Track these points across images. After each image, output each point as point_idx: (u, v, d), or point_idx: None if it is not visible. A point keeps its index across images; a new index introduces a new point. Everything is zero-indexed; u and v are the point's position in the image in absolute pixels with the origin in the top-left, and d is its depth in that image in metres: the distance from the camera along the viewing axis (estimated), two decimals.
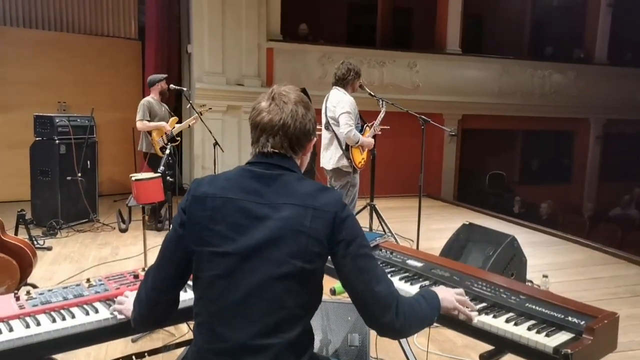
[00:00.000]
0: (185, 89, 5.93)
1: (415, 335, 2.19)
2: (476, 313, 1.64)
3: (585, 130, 10.37)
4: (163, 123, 5.47)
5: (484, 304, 1.71)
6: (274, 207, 1.34)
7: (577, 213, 9.24)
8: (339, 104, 4.12)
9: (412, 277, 1.98)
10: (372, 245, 2.14)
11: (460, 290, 1.69)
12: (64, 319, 1.61)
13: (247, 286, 1.30)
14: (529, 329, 1.54)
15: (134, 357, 1.83)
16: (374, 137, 4.43)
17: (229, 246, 1.32)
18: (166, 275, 1.43)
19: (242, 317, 1.30)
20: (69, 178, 5.55)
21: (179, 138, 5.76)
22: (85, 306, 1.70)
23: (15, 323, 1.56)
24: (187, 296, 1.72)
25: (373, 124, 4.46)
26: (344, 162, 4.20)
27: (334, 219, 1.34)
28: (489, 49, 9.86)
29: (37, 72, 7.09)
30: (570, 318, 1.54)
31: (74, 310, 1.67)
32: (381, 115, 4.54)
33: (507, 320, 1.59)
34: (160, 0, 7.58)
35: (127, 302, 1.62)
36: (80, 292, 1.78)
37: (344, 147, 4.18)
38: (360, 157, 4.29)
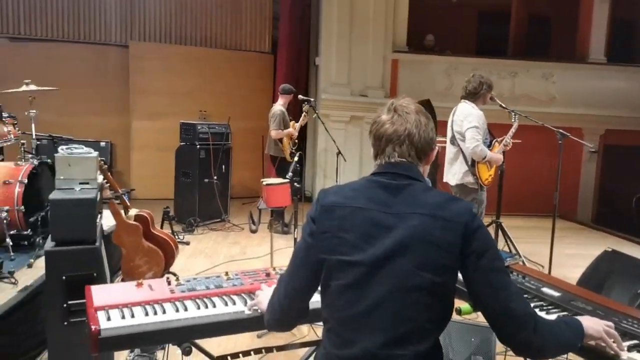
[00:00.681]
0: (312, 99, 6.18)
1: None
2: (625, 349, 1.48)
3: None
4: (291, 130, 5.79)
5: (635, 341, 1.54)
6: (401, 216, 1.33)
7: None
8: (466, 118, 3.97)
9: (547, 306, 1.84)
10: None
11: (611, 323, 1.54)
12: (206, 307, 1.77)
13: (376, 297, 1.30)
14: None
15: (263, 350, 1.94)
16: (503, 152, 4.21)
17: (358, 255, 1.33)
18: (297, 284, 1.46)
19: (370, 326, 1.31)
20: (206, 180, 6.07)
21: (297, 141, 6.05)
22: (224, 297, 1.84)
23: (167, 306, 1.74)
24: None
25: (503, 138, 4.23)
26: (469, 178, 4.03)
27: (465, 229, 1.31)
28: None
29: (183, 84, 7.89)
30: None
31: (215, 299, 1.82)
32: (513, 129, 4.29)
33: None
34: (293, 16, 8.02)
35: (262, 295, 1.71)
36: (220, 284, 1.93)
37: (469, 162, 4.01)
38: (487, 174, 4.09)
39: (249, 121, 7.92)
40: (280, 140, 5.77)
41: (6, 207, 3.42)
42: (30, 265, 3.27)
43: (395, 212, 1.34)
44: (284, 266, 1.78)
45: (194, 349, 1.71)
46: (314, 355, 1.84)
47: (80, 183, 2.59)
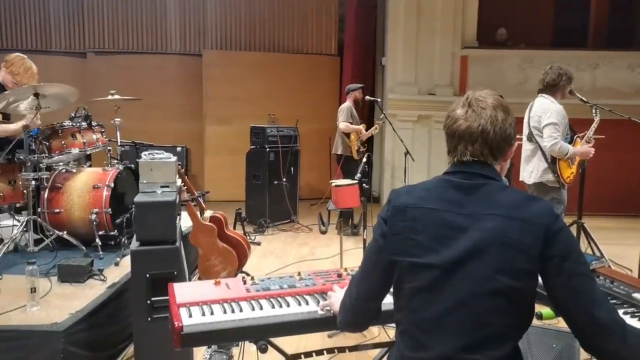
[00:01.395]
0: (378, 99, 6.16)
1: None
2: None
3: None
4: (360, 127, 5.79)
5: None
6: (476, 217, 1.29)
7: None
8: (545, 113, 3.76)
9: (639, 313, 1.72)
10: None
11: None
12: (281, 306, 1.81)
13: (450, 301, 1.27)
14: None
15: (336, 350, 1.97)
16: None
17: (432, 258, 1.30)
18: (369, 286, 1.45)
19: (445, 330, 1.28)
20: (275, 182, 6.22)
21: (365, 145, 6.02)
22: (297, 297, 1.88)
23: (244, 304, 1.81)
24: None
25: (585, 134, 3.99)
26: (549, 176, 3.82)
27: (545, 231, 1.24)
28: None
29: (252, 89, 8.13)
30: None
31: (289, 299, 1.86)
32: (595, 124, 4.03)
33: None
34: (358, 18, 8.03)
35: (334, 297, 1.73)
36: (293, 284, 1.98)
37: (549, 159, 3.81)
38: (569, 171, 3.86)
39: (316, 123, 8.02)
40: (348, 135, 5.79)
41: (95, 210, 3.68)
42: (117, 264, 3.51)
43: (469, 213, 1.30)
44: (355, 267, 1.79)
45: (269, 346, 1.76)
46: (386, 356, 1.83)
47: (162, 186, 2.74)
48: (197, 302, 1.79)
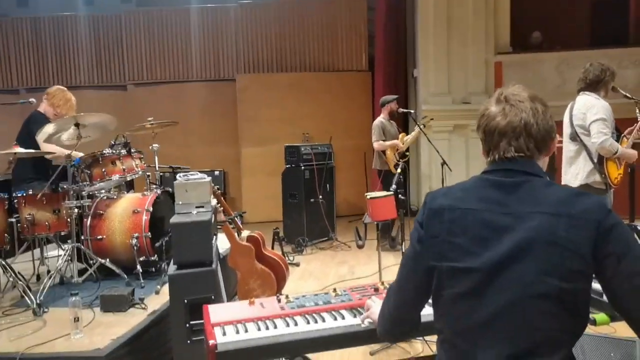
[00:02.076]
0: (412, 110, 6.10)
1: None
2: None
3: None
4: (396, 141, 5.73)
5: None
6: (519, 216, 1.21)
7: None
8: (590, 110, 3.56)
9: None
10: None
11: None
12: (316, 321, 1.77)
13: (495, 306, 1.20)
14: None
15: None
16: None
17: (472, 261, 1.23)
18: (407, 294, 1.40)
19: (490, 337, 1.21)
20: (312, 200, 6.20)
21: (408, 153, 5.94)
22: (333, 312, 1.83)
23: (278, 322, 1.77)
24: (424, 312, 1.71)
25: (632, 131, 3.78)
26: (596, 177, 3.61)
27: (597, 228, 1.16)
28: None
29: (285, 109, 8.23)
30: None
31: (324, 315, 1.82)
32: None
33: None
34: (388, 32, 8.02)
35: (374, 306, 1.68)
36: (329, 300, 1.93)
37: (596, 159, 3.62)
38: (616, 172, 3.65)
39: (351, 139, 8.01)
40: (384, 152, 5.74)
41: (136, 234, 3.76)
42: (157, 292, 3.53)
43: (512, 212, 1.22)
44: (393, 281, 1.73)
45: None
46: None
47: (197, 207, 2.77)
48: (231, 322, 1.77)
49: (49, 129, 3.61)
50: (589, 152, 3.63)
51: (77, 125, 3.61)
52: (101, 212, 3.88)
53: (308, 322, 1.76)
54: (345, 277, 4.96)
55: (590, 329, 2.82)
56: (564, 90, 6.82)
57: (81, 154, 3.88)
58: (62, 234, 3.87)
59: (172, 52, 8.59)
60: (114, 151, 4.02)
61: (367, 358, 3.05)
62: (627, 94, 3.89)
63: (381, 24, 8.01)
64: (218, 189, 3.76)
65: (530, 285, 1.17)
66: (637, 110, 3.87)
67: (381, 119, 5.89)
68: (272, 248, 5.19)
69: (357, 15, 8.49)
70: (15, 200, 3.69)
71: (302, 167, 6.24)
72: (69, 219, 3.64)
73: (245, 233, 3.71)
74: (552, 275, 1.16)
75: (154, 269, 3.90)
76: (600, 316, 1.48)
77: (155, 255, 3.86)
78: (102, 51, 8.63)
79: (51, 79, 8.48)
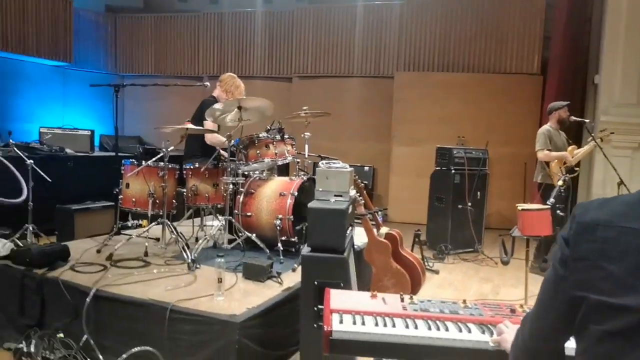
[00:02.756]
0: (587, 120, 5.40)
1: None
2: None
3: None
4: (565, 153, 5.12)
5: None
6: None
7: None
8: None
9: None
10: None
11: None
12: (438, 329, 1.63)
13: None
14: None
15: None
16: None
17: (628, 297, 0.98)
18: (545, 324, 1.18)
19: None
20: (460, 206, 5.88)
21: (577, 169, 5.26)
22: (459, 323, 1.67)
23: (397, 321, 1.68)
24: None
25: None
26: None
27: None
28: None
29: (442, 110, 7.94)
30: None
31: (448, 324, 1.67)
32: None
33: None
34: (567, 33, 7.22)
35: (507, 332, 1.49)
36: (456, 310, 1.77)
37: None
38: None
39: (511, 147, 7.43)
40: (548, 164, 5.16)
41: (280, 215, 3.94)
42: (294, 270, 3.66)
43: None
44: None
45: None
46: None
47: (335, 195, 2.78)
48: (350, 311, 1.72)
49: (216, 108, 3.97)
50: None
51: (239, 108, 3.91)
52: (252, 191, 4.15)
53: (429, 328, 1.63)
54: (488, 296, 4.56)
55: None
56: None
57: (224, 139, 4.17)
58: (219, 206, 4.26)
59: (336, 47, 8.86)
60: (269, 135, 4.26)
61: None
62: None
63: (561, 23, 7.23)
64: (363, 182, 3.75)
65: None
66: None
67: (548, 126, 5.32)
68: (412, 250, 5.05)
69: (532, 13, 7.81)
70: (184, 172, 4.17)
71: (453, 171, 5.95)
72: (225, 194, 3.98)
73: (384, 230, 3.65)
74: None
75: (293, 249, 4.06)
76: None
77: (296, 237, 4.00)
78: (274, 45, 9.28)
79: (229, 68, 9.38)
